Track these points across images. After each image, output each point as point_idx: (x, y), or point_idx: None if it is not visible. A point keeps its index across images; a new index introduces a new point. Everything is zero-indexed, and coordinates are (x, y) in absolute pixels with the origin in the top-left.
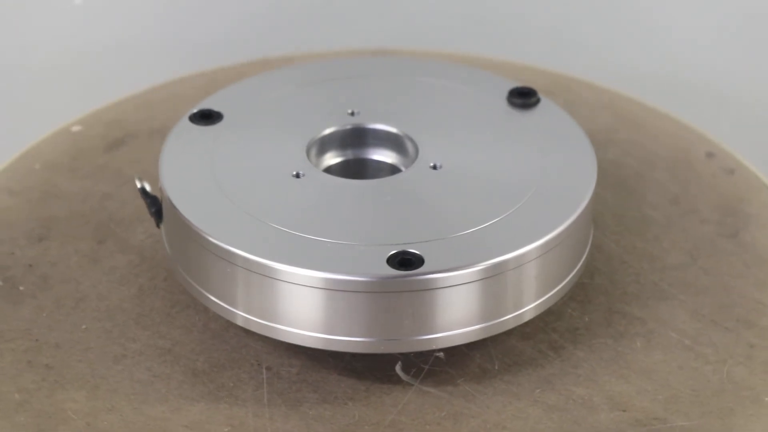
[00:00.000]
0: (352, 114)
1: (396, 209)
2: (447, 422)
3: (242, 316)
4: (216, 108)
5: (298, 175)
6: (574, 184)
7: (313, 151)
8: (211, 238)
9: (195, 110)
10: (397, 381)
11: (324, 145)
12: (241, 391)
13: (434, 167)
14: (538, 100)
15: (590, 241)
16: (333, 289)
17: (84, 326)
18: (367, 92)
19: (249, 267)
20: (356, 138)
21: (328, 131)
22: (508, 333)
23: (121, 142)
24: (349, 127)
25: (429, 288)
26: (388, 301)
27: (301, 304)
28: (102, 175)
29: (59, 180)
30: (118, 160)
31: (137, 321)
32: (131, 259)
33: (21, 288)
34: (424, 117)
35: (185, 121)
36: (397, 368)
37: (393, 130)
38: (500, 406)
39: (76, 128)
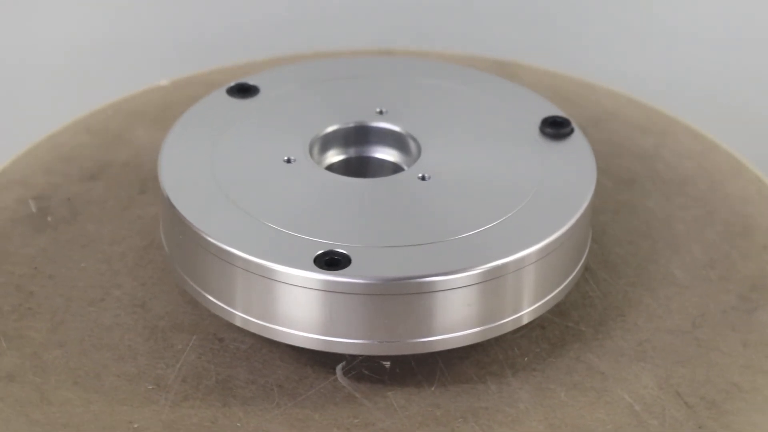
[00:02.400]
0: (381, 113)
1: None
2: (356, 429)
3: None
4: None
5: (289, 160)
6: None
7: (316, 148)
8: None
9: (233, 84)
10: (333, 379)
11: (327, 142)
12: (184, 355)
13: (422, 178)
14: (571, 131)
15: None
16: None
17: (83, 264)
18: (396, 91)
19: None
20: (359, 136)
21: (331, 128)
22: (463, 357)
23: None
24: (352, 124)
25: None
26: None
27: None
28: None
29: (138, 128)
30: None
31: (131, 271)
32: (158, 214)
33: (49, 218)
34: (436, 120)
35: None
36: (338, 368)
37: (396, 128)
38: (414, 427)
39: (164, 82)
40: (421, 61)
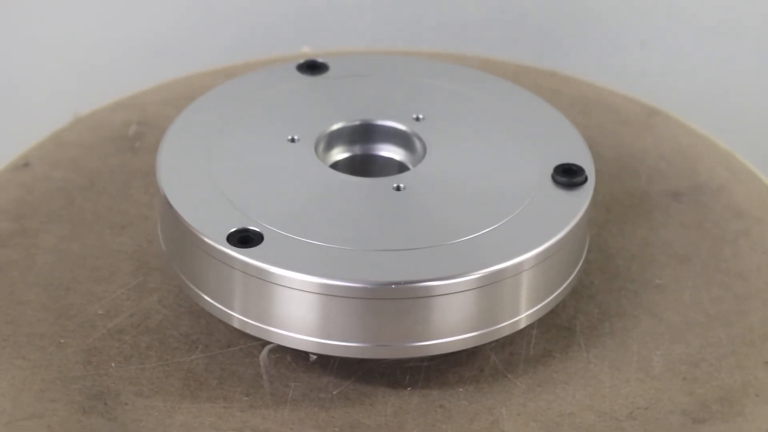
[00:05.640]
0: (417, 119)
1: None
2: (237, 404)
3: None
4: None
5: (293, 140)
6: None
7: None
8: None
9: (302, 61)
10: (255, 356)
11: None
12: (145, 294)
13: (397, 189)
14: (584, 179)
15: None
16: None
17: (131, 191)
18: (433, 96)
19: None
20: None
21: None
22: (386, 372)
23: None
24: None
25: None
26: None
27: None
28: None
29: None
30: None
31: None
32: None
33: (137, 144)
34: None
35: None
36: (265, 349)
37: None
38: (290, 422)
39: (306, 49)
40: (481, 74)
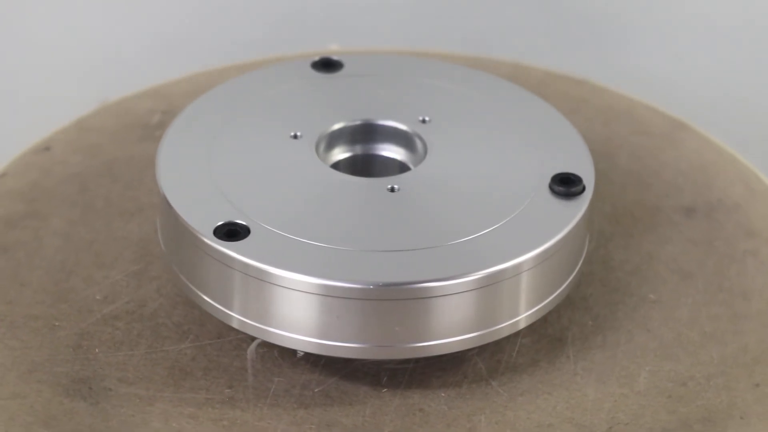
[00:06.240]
0: (423, 121)
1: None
2: (218, 396)
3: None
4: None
5: (296, 137)
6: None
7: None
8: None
9: (317, 58)
10: (242, 354)
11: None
12: (145, 282)
13: (391, 190)
14: (582, 189)
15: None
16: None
17: (146, 179)
18: (439, 97)
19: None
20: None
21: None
22: (369, 373)
23: None
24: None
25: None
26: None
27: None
28: None
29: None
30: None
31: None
32: None
33: (157, 132)
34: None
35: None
36: (254, 343)
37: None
38: (266, 415)
39: (334, 46)
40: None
